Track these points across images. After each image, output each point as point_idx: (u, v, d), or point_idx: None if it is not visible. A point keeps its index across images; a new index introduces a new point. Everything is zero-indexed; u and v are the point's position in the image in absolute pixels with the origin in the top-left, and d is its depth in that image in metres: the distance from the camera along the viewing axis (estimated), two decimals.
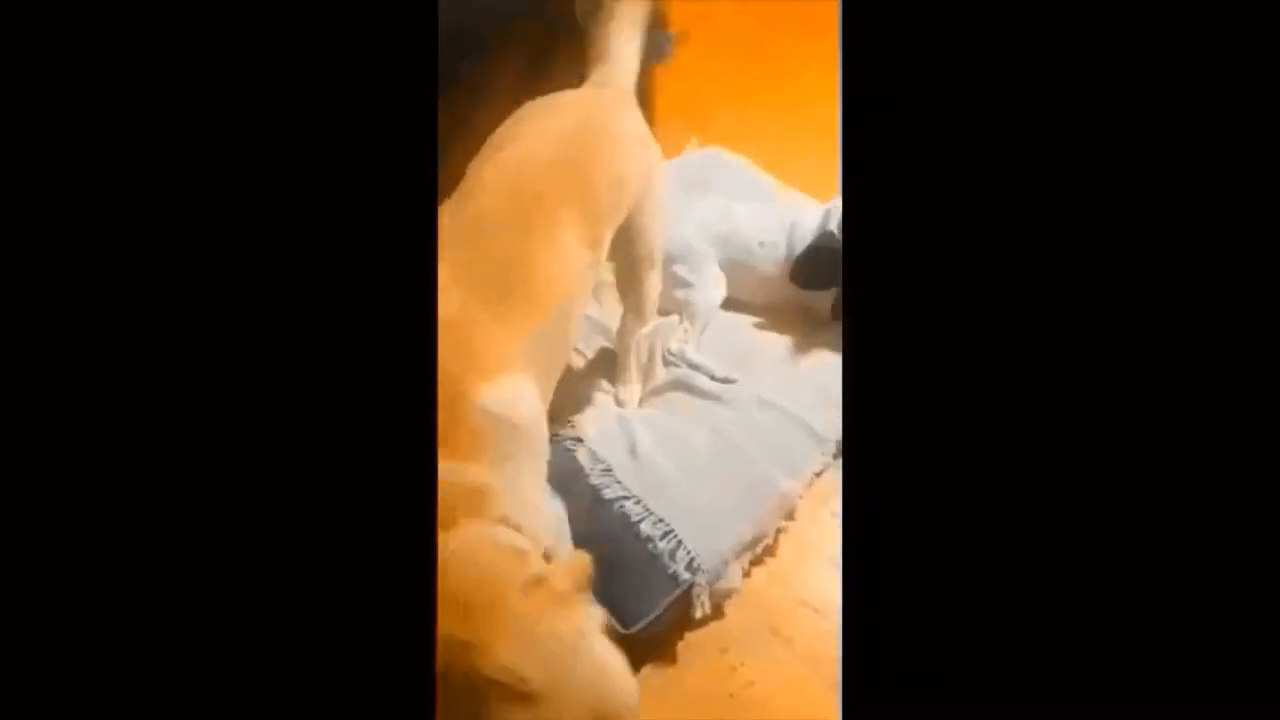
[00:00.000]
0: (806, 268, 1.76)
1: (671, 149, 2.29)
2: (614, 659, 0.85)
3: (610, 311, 1.70)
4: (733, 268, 1.82)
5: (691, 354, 1.66)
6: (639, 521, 1.34)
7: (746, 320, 1.80)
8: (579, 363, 1.69)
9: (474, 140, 1.24)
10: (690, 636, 1.37)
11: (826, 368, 1.66)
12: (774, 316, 1.81)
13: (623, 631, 1.25)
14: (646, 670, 1.32)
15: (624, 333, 1.58)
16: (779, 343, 1.74)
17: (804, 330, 1.77)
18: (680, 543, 1.33)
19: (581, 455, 1.46)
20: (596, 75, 1.40)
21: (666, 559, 1.31)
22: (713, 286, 1.80)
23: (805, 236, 1.78)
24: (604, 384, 1.64)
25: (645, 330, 1.57)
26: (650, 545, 1.32)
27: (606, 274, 1.54)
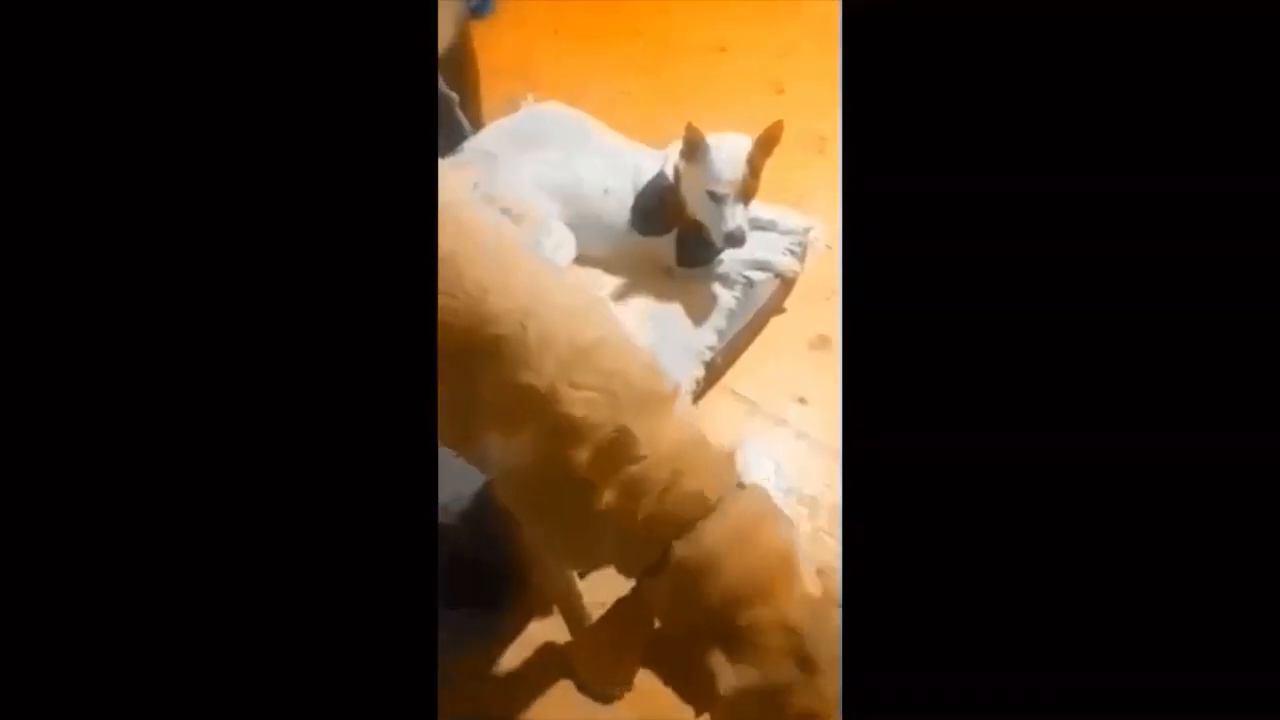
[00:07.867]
0: (641, 212, 1.78)
1: (505, 107, 2.24)
2: None
3: None
4: (580, 223, 1.81)
5: None
6: None
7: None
8: None
9: None
10: None
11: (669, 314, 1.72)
12: (623, 268, 1.83)
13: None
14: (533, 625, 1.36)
15: None
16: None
17: (650, 278, 1.81)
18: None
19: None
20: None
21: None
22: (560, 246, 1.80)
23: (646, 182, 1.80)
24: None
25: None
26: None
27: None
